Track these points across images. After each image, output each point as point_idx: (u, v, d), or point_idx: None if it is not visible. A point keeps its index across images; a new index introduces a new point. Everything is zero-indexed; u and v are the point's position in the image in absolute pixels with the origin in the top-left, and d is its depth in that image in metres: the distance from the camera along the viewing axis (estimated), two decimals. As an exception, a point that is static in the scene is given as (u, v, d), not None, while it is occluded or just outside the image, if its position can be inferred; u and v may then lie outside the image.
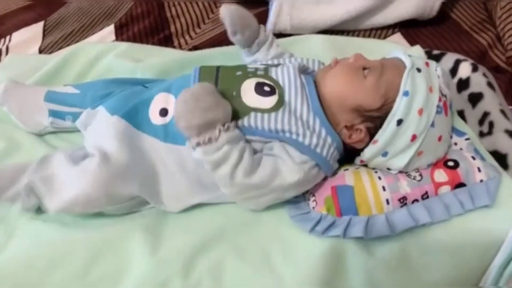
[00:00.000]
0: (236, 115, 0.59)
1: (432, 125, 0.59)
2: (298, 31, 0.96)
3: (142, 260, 0.59)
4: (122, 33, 1.11)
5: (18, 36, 1.15)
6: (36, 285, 0.58)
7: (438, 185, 0.60)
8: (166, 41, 1.07)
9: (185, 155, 0.61)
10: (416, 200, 0.60)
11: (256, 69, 0.65)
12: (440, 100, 0.60)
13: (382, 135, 0.59)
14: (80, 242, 0.61)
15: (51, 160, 0.63)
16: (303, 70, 0.68)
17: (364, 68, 0.61)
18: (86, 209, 0.61)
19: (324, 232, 0.59)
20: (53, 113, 0.75)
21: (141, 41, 1.08)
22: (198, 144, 0.56)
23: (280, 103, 0.60)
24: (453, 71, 0.78)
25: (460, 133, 0.68)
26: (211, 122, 0.55)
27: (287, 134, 0.59)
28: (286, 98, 0.61)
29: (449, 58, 0.81)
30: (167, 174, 0.63)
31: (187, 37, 1.09)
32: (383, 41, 0.92)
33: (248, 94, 0.61)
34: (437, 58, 0.82)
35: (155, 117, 0.64)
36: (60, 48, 1.09)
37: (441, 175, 0.61)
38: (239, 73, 0.64)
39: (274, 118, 0.59)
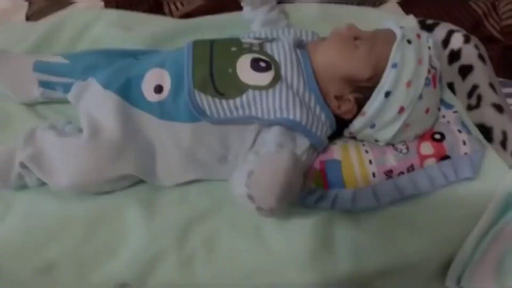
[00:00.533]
0: (233, 93, 0.59)
1: (420, 97, 0.60)
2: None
3: (138, 232, 0.61)
4: (110, 2, 1.08)
5: (2, 2, 1.12)
6: (35, 257, 0.60)
7: (423, 158, 0.62)
8: (157, 8, 1.05)
9: (181, 131, 0.62)
10: (402, 173, 0.62)
11: (251, 44, 0.64)
12: (429, 72, 0.60)
13: (370, 107, 0.60)
14: (76, 214, 0.63)
15: (37, 136, 0.63)
16: (298, 44, 0.67)
17: (356, 38, 0.61)
18: (84, 191, 0.63)
19: (314, 203, 0.61)
20: (43, 84, 0.73)
21: (131, 8, 1.05)
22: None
23: (277, 78, 0.60)
24: (445, 42, 0.78)
25: (449, 106, 0.68)
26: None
27: (284, 113, 0.58)
28: (282, 73, 0.60)
29: (442, 29, 0.80)
30: (162, 150, 0.63)
31: (178, 3, 1.06)
32: (377, 9, 0.90)
33: (244, 70, 0.60)
34: (430, 28, 0.81)
35: (149, 94, 0.63)
36: (47, 15, 1.06)
37: (427, 147, 0.63)
38: (233, 49, 0.63)
39: (272, 94, 0.59)
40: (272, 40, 0.66)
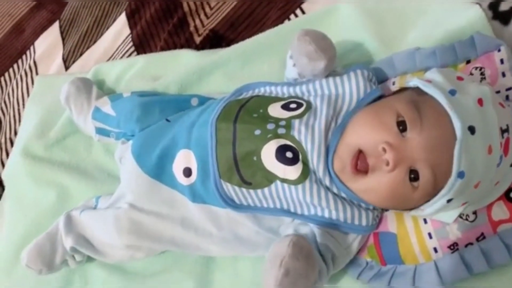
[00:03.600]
0: (260, 183, 0.55)
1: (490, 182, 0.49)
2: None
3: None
4: (135, 23, 1.04)
5: (40, 45, 1.14)
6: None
7: (497, 224, 0.52)
8: (182, 25, 0.98)
9: (217, 213, 0.60)
10: (470, 244, 0.53)
11: (277, 124, 0.56)
12: (500, 146, 0.47)
13: (429, 208, 0.51)
14: None
15: (74, 219, 0.69)
16: (336, 116, 0.57)
17: (412, 171, 0.48)
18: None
19: (369, 280, 0.57)
20: (99, 131, 0.80)
21: (156, 30, 1.01)
22: None
23: (306, 172, 0.53)
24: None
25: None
26: None
27: (319, 211, 0.54)
28: (311, 166, 0.54)
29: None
30: (202, 229, 0.62)
31: (202, 16, 0.97)
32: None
33: (269, 159, 0.54)
34: (506, 19, 0.63)
35: (180, 177, 0.62)
36: (81, 54, 1.07)
37: (501, 210, 0.52)
38: (257, 132, 0.56)
39: (302, 190, 0.53)
40: (302, 114, 0.56)
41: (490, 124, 0.47)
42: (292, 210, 0.56)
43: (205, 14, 0.97)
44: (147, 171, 0.65)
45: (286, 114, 0.57)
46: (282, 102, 0.60)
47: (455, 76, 0.52)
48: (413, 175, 0.48)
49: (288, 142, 0.54)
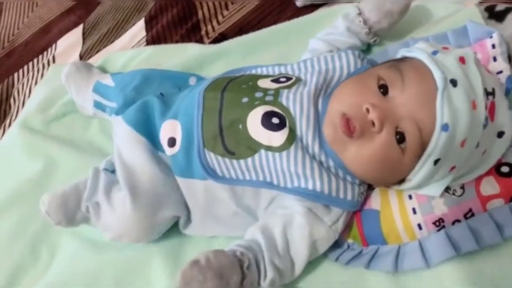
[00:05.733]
0: (244, 153, 0.53)
1: (477, 146, 0.46)
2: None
3: (163, 285, 0.60)
4: (152, 27, 1.09)
5: (62, 44, 1.20)
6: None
7: (486, 200, 0.48)
8: (194, 30, 1.02)
9: (195, 188, 0.58)
10: (458, 221, 0.49)
11: (265, 93, 0.55)
12: (485, 107, 0.46)
13: (416, 176, 0.48)
14: (107, 265, 0.65)
15: (99, 184, 0.63)
16: (325, 87, 0.55)
17: (397, 132, 0.46)
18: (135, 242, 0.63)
19: (347, 262, 0.52)
20: (96, 104, 0.80)
21: (170, 33, 1.05)
22: None
23: (291, 138, 0.51)
24: (522, 34, 0.61)
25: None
26: None
27: (302, 182, 0.51)
28: (298, 131, 0.51)
29: (518, 16, 0.62)
30: (188, 202, 0.60)
31: (214, 23, 1.02)
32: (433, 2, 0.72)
33: (255, 127, 0.52)
34: (501, 17, 0.64)
35: (165, 147, 0.60)
36: (97, 51, 1.12)
37: (490, 185, 0.48)
38: (245, 99, 0.54)
39: (286, 157, 0.50)
40: (291, 85, 0.56)
41: (473, 81, 0.46)
42: (275, 182, 0.53)
43: (218, 22, 1.02)
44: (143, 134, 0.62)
45: (275, 85, 0.57)
46: (272, 78, 0.60)
47: (441, 47, 0.52)
48: (399, 136, 0.46)
49: (275, 109, 0.53)
